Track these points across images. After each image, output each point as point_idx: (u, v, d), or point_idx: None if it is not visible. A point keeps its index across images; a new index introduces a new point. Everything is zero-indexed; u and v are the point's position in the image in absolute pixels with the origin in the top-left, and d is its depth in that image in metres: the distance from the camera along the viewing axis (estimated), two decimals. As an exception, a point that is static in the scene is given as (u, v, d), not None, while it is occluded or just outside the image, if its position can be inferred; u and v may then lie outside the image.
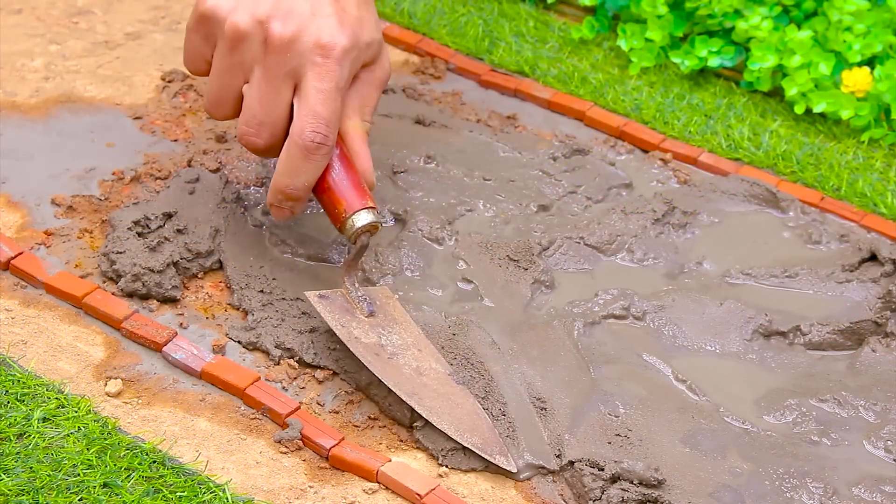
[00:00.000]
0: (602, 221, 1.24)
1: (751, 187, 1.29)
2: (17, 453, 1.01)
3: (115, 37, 1.44)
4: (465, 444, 1.04)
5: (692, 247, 1.24)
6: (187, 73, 1.38)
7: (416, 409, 1.05)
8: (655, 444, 1.06)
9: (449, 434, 1.05)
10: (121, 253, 1.16)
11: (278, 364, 1.11)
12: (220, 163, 1.28)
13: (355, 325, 1.10)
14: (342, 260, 1.19)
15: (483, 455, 1.04)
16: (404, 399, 1.06)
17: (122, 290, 1.15)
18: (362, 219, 1.10)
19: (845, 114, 1.36)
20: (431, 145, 1.32)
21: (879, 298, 1.18)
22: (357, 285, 1.13)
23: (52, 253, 1.19)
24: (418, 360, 1.09)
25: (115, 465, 1.01)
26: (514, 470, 1.04)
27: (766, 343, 1.16)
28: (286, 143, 1.10)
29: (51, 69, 1.38)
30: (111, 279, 1.16)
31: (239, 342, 1.13)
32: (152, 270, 1.15)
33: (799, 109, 1.38)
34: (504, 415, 1.07)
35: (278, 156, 1.11)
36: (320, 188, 1.12)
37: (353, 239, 1.11)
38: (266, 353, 1.12)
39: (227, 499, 0.99)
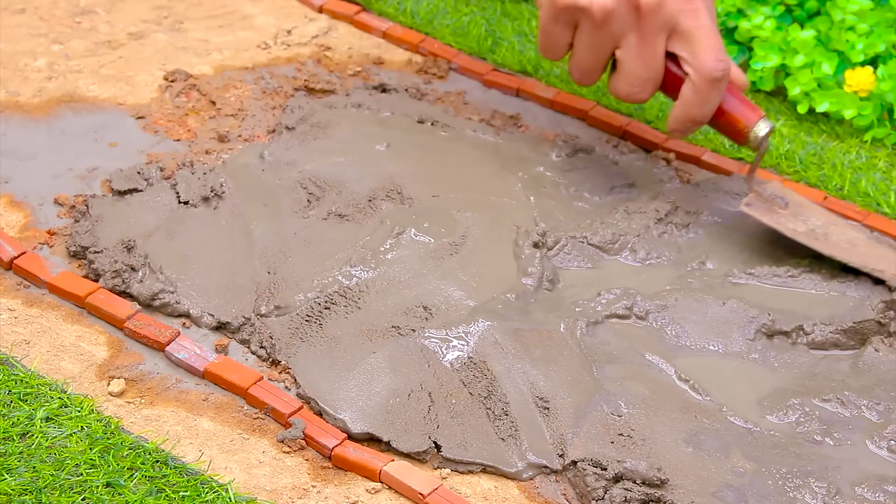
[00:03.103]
0: (605, 221, 1.24)
1: (754, 187, 1.29)
2: (20, 453, 1.01)
3: (118, 36, 1.44)
4: (873, 273, 1.21)
5: (695, 246, 1.24)
6: (190, 72, 1.38)
7: (848, 263, 1.21)
8: (658, 443, 1.06)
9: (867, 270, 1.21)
10: (98, 252, 1.16)
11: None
12: (222, 162, 1.28)
13: (783, 219, 1.24)
14: None
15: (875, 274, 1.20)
16: (856, 265, 1.21)
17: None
18: (763, 128, 1.23)
19: (848, 113, 1.36)
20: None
21: (882, 298, 1.18)
22: (764, 185, 1.27)
23: (54, 253, 1.19)
24: (842, 233, 1.24)
25: (117, 464, 1.01)
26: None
27: (769, 343, 1.16)
28: (690, 80, 1.21)
29: (54, 69, 1.38)
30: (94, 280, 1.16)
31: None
32: (133, 268, 1.15)
33: (802, 109, 1.38)
34: (507, 414, 1.07)
35: (646, 101, 1.24)
36: (717, 113, 1.24)
37: (758, 146, 1.24)
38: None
39: (229, 498, 1.00)
